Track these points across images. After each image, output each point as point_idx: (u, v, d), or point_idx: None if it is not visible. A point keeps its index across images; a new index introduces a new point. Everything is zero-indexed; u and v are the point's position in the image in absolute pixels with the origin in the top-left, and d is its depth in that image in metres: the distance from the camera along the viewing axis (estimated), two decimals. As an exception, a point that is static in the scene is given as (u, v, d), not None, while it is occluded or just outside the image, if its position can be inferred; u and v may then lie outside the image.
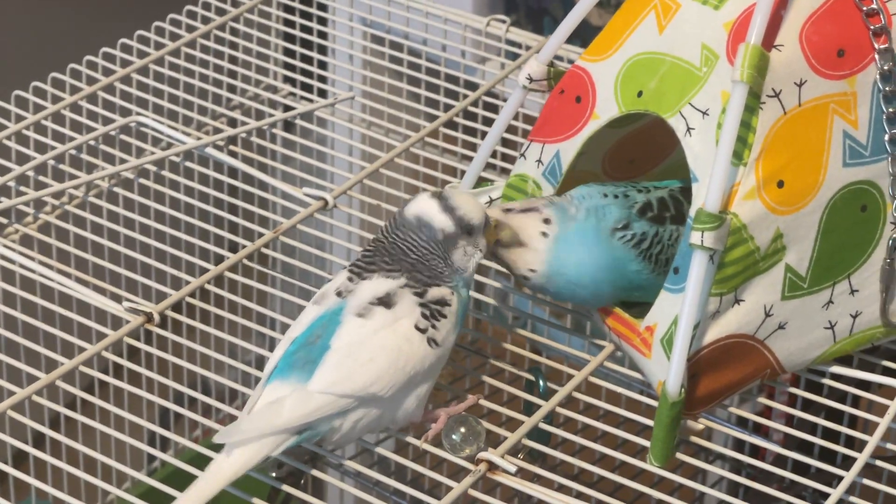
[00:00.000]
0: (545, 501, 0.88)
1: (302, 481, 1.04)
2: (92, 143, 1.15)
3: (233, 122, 1.26)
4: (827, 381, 0.97)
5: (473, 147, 1.21)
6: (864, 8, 0.91)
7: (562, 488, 0.92)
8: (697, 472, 1.29)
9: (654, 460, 0.91)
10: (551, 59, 1.02)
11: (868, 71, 0.91)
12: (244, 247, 1.06)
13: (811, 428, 0.99)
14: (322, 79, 1.32)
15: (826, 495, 0.88)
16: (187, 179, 1.14)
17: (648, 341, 0.92)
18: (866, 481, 0.90)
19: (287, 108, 1.27)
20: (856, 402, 1.08)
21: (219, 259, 1.06)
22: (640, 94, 0.94)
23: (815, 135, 0.90)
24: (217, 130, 1.24)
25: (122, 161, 1.15)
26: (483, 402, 0.95)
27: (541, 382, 0.99)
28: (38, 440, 1.00)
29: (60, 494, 0.89)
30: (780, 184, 0.89)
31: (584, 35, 1.43)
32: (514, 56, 1.28)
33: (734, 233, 0.88)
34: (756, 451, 1.31)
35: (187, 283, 1.03)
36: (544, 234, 0.93)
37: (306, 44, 1.32)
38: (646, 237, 0.94)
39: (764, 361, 0.93)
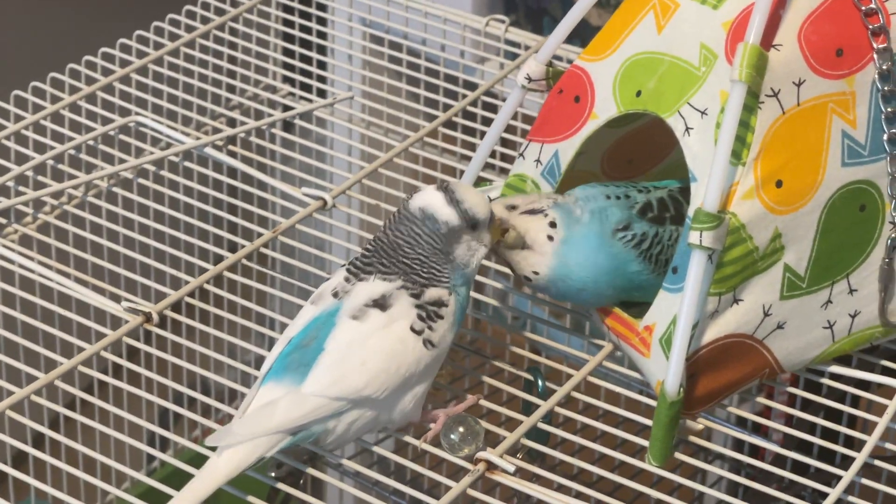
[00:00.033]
0: (544, 501, 0.88)
1: (301, 481, 1.04)
2: (91, 143, 1.15)
3: (232, 122, 1.26)
4: (826, 381, 0.97)
5: (472, 147, 1.21)
6: (863, 7, 0.91)
7: (561, 488, 0.92)
8: (697, 472, 1.29)
9: (652, 460, 0.91)
10: (550, 58, 1.02)
11: (867, 70, 0.91)
12: (243, 247, 1.06)
13: (810, 428, 0.99)
14: (321, 79, 1.32)
15: (825, 495, 0.88)
16: (186, 179, 1.14)
17: (647, 341, 0.92)
18: (865, 481, 0.90)
19: (286, 108, 1.27)
20: (855, 401, 1.08)
21: (218, 259, 1.06)
22: (638, 93, 0.94)
23: (813, 134, 0.90)
24: (216, 130, 1.24)
25: (122, 161, 1.15)
26: (482, 401, 0.95)
27: (539, 382, 0.99)
28: (38, 440, 1.00)
29: (60, 494, 0.89)
30: (779, 183, 0.89)
31: (583, 35, 1.43)
32: (514, 56, 1.28)
33: (733, 232, 0.88)
34: (755, 451, 1.31)
35: (186, 283, 1.03)
36: (550, 238, 0.93)
37: (305, 44, 1.32)
38: (646, 237, 0.94)
39: (763, 361, 0.93)
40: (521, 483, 0.89)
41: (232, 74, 1.27)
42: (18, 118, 1.18)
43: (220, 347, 1.20)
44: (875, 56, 0.91)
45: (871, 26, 0.91)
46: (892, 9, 0.91)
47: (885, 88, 0.91)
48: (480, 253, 0.92)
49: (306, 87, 1.31)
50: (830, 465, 0.93)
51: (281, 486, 0.94)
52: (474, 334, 1.08)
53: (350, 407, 0.88)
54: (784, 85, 0.89)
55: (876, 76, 0.91)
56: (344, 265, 0.92)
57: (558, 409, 0.95)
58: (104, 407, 0.95)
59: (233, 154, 1.17)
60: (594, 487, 0.93)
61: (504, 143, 1.25)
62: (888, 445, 0.94)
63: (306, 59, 1.32)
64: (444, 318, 0.90)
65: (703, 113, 0.90)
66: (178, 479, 0.87)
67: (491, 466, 0.89)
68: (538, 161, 1.00)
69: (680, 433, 0.95)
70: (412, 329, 0.89)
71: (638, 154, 1.02)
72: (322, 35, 1.34)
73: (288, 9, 1.34)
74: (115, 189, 1.14)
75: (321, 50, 1.34)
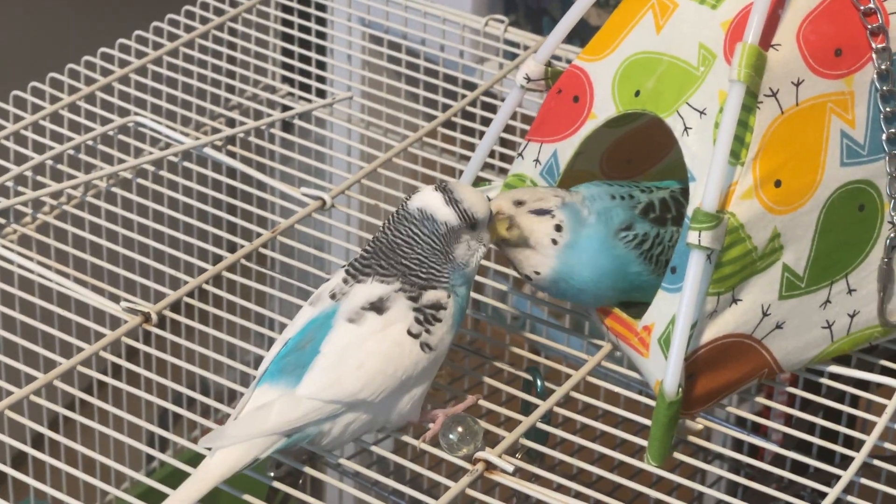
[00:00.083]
0: (544, 501, 0.88)
1: (300, 481, 1.04)
2: (90, 143, 1.15)
3: (231, 122, 1.26)
4: (825, 381, 0.97)
5: (472, 147, 1.21)
6: (862, 7, 0.91)
7: (560, 488, 0.92)
8: (696, 472, 1.29)
9: (651, 460, 0.91)
10: (549, 58, 1.02)
11: (865, 70, 0.91)
12: (242, 247, 1.06)
13: (809, 427, 0.99)
14: (320, 79, 1.32)
15: (825, 495, 0.88)
16: (185, 179, 1.14)
17: (646, 341, 0.92)
18: (864, 481, 0.90)
19: (285, 108, 1.27)
20: (854, 401, 1.08)
21: (217, 259, 1.06)
22: (637, 93, 0.94)
23: (812, 134, 0.90)
24: (215, 130, 1.24)
25: (121, 161, 1.15)
26: (481, 401, 0.95)
27: (538, 382, 0.99)
28: (37, 440, 1.00)
29: (59, 495, 0.89)
30: (778, 183, 0.89)
31: (582, 35, 1.43)
32: (513, 56, 1.28)
33: (731, 232, 0.88)
34: (755, 451, 1.31)
35: (185, 283, 1.03)
36: (554, 242, 0.93)
37: (304, 44, 1.32)
38: (647, 238, 0.94)
39: (761, 361, 0.93)
40: (521, 483, 0.89)
41: (231, 74, 1.27)
42: (18, 118, 1.18)
43: (220, 348, 1.20)
44: (874, 56, 0.91)
45: (869, 26, 0.91)
46: (890, 8, 0.91)
47: (884, 88, 0.91)
48: (480, 252, 0.92)
49: (305, 88, 1.31)
50: (830, 464, 0.93)
51: (280, 485, 0.94)
52: (474, 334, 1.08)
53: (345, 410, 0.88)
54: (783, 85, 0.89)
55: (875, 76, 0.91)
56: (343, 266, 0.92)
57: (557, 410, 0.95)
58: (103, 407, 0.95)
59: (232, 154, 1.17)
60: (593, 487, 0.93)
61: (503, 143, 1.25)
62: (887, 445, 0.94)
63: (305, 60, 1.32)
64: (442, 321, 0.90)
65: (701, 113, 0.90)
66: (178, 480, 0.87)
67: (490, 466, 0.89)
68: (537, 161, 1.00)
69: (679, 433, 0.95)
70: (409, 332, 0.89)
71: (637, 154, 1.02)
72: (321, 35, 1.34)
73: (287, 9, 1.34)
74: (114, 189, 1.14)
75: (320, 50, 1.34)
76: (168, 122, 1.19)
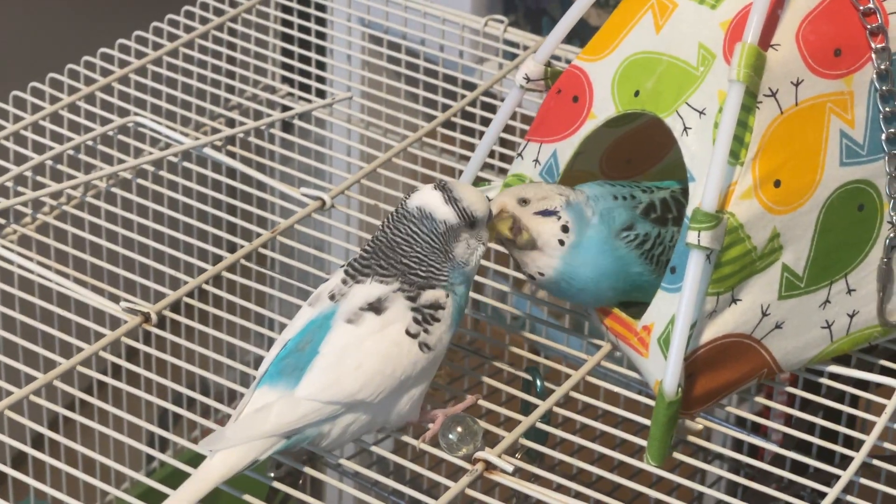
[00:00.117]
0: (543, 501, 0.88)
1: (300, 481, 1.04)
2: (90, 143, 1.15)
3: (231, 123, 1.26)
4: (825, 381, 0.97)
5: (471, 147, 1.21)
6: (861, 7, 0.91)
7: (560, 488, 0.92)
8: (696, 472, 1.29)
9: (651, 459, 0.91)
10: (548, 58, 1.02)
11: (865, 70, 0.91)
12: (242, 247, 1.06)
13: (809, 427, 0.99)
14: (320, 79, 1.32)
15: (824, 495, 0.88)
16: (185, 180, 1.14)
17: (645, 341, 0.92)
18: (864, 480, 0.90)
19: (285, 109, 1.27)
20: (854, 401, 1.08)
21: (217, 259, 1.06)
22: (637, 93, 0.94)
23: (811, 134, 0.90)
24: (215, 131, 1.24)
25: (120, 161, 1.15)
26: (481, 401, 0.95)
27: (538, 382, 0.99)
28: (37, 441, 1.00)
29: (59, 495, 0.89)
30: (777, 183, 0.89)
31: (582, 35, 1.43)
32: (513, 56, 1.28)
33: (731, 232, 0.88)
34: (754, 451, 1.31)
35: (185, 283, 1.03)
36: (561, 243, 0.93)
37: (304, 44, 1.32)
38: (648, 238, 0.94)
39: (761, 361, 0.93)
40: (520, 483, 0.89)
41: (231, 75, 1.27)
42: (17, 118, 1.18)
43: (220, 348, 1.20)
44: (873, 56, 0.91)
45: (869, 26, 0.91)
46: (890, 9, 0.91)
47: (884, 88, 0.91)
48: (479, 251, 0.92)
49: (305, 88, 1.31)
50: (829, 464, 0.93)
51: (280, 486, 0.94)
52: (473, 334, 1.08)
53: (344, 411, 0.88)
54: (782, 85, 0.89)
55: (874, 76, 0.91)
56: (342, 266, 0.92)
57: (557, 410, 0.95)
58: (103, 407, 0.95)
59: (232, 154, 1.17)
60: (593, 487, 0.93)
61: (503, 143, 1.25)
62: (887, 445, 0.94)
63: (305, 60, 1.32)
64: (440, 321, 0.90)
65: (701, 113, 0.90)
66: (178, 480, 0.87)
67: (489, 466, 0.89)
68: (536, 161, 1.00)
69: (679, 433, 0.95)
70: (407, 332, 0.89)
71: (636, 154, 1.02)
72: (321, 35, 1.34)
73: (287, 9, 1.34)
74: (113, 189, 1.14)
75: (320, 50, 1.34)
76: (168, 122, 1.19)
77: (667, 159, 1.03)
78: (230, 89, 1.27)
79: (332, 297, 0.90)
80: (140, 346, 1.00)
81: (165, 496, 0.86)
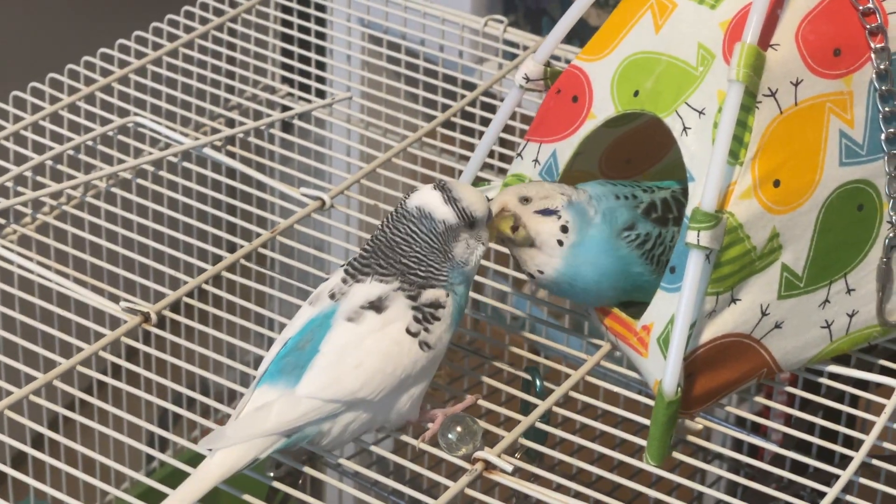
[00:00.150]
0: (543, 501, 0.88)
1: (300, 481, 1.04)
2: (90, 143, 1.15)
3: (231, 123, 1.26)
4: (825, 381, 0.97)
5: (471, 147, 1.21)
6: (861, 7, 0.91)
7: (560, 488, 0.92)
8: (696, 472, 1.29)
9: (650, 459, 0.91)
10: (548, 58, 1.02)
11: (864, 70, 0.91)
12: (242, 247, 1.06)
13: (809, 427, 0.99)
14: (320, 79, 1.32)
15: (824, 495, 0.88)
16: (185, 180, 1.14)
17: (645, 340, 0.92)
18: (864, 480, 0.90)
19: (285, 109, 1.27)
20: (854, 401, 1.08)
21: (217, 259, 1.06)
22: (636, 93, 0.94)
23: (811, 134, 0.90)
24: (215, 131, 1.24)
25: (120, 161, 1.15)
26: (481, 401, 0.95)
27: (538, 382, 0.99)
28: (37, 440, 1.00)
29: (59, 495, 0.89)
30: (777, 183, 0.89)
31: (581, 35, 1.43)
32: (512, 56, 1.28)
33: (730, 232, 0.88)
34: (754, 451, 1.31)
35: (185, 283, 1.03)
36: (560, 243, 0.93)
37: (304, 44, 1.32)
38: (649, 238, 0.94)
39: (760, 361, 0.93)
40: (520, 483, 0.89)
41: (230, 75, 1.27)
42: (17, 119, 1.18)
43: (220, 348, 1.20)
44: (873, 56, 0.91)
45: (868, 26, 0.91)
46: (889, 8, 0.91)
47: (883, 88, 0.91)
48: (479, 251, 0.92)
49: (305, 88, 1.31)
50: (829, 464, 0.93)
51: (280, 485, 0.94)
52: (473, 334, 1.08)
53: (345, 409, 0.88)
54: (781, 84, 0.89)
55: (873, 76, 0.91)
56: (342, 266, 0.92)
57: (557, 409, 0.95)
58: (103, 407, 0.95)
59: (231, 154, 1.17)
60: (593, 487, 0.93)
61: (502, 143, 1.25)
62: (886, 445, 0.94)
63: (305, 60, 1.32)
64: (440, 320, 0.90)
65: (700, 113, 0.90)
66: (178, 480, 0.87)
67: (489, 466, 0.89)
68: (536, 161, 1.00)
69: (679, 433, 0.96)
70: (408, 331, 0.89)
71: (636, 154, 1.02)
72: (320, 35, 1.34)
73: (286, 9, 1.34)
74: (113, 189, 1.14)
75: (320, 50, 1.34)
76: (168, 122, 1.19)
77: (666, 159, 1.03)
78: (230, 89, 1.27)
79: (332, 296, 0.90)
80: (140, 346, 1.00)
81: (165, 496, 0.86)
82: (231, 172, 1.16)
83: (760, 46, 0.87)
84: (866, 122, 0.92)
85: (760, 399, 1.03)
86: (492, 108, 1.18)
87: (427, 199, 0.90)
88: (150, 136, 1.17)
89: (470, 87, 1.28)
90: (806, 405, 1.11)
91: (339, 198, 1.11)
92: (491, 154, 1.22)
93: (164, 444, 1.37)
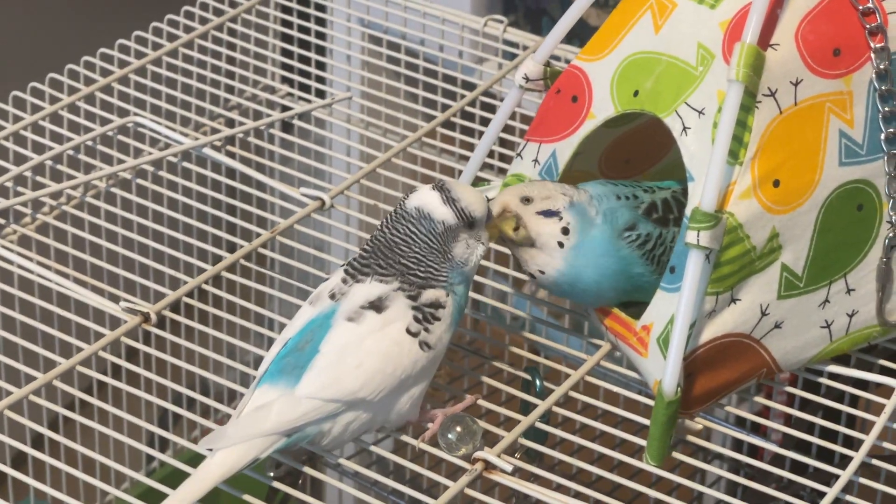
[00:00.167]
0: (543, 501, 0.88)
1: (300, 481, 1.04)
2: (90, 143, 1.15)
3: (230, 123, 1.26)
4: (824, 381, 0.97)
5: (471, 147, 1.21)
6: (860, 7, 0.91)
7: (560, 488, 0.92)
8: (696, 472, 1.29)
9: (650, 459, 0.91)
10: (548, 58, 1.02)
11: (864, 70, 0.91)
12: (242, 247, 1.06)
13: (809, 427, 0.99)
14: (320, 79, 1.32)
15: (824, 495, 0.88)
16: (185, 180, 1.14)
17: (645, 340, 0.92)
18: (863, 480, 0.90)
19: (285, 109, 1.27)
20: (854, 401, 1.08)
21: (217, 260, 1.06)
22: (636, 93, 0.94)
23: (811, 134, 0.90)
24: (215, 131, 1.24)
25: (120, 161, 1.15)
26: (481, 401, 0.95)
27: (537, 382, 0.99)
28: (37, 441, 1.00)
29: (59, 495, 0.89)
30: (776, 183, 0.89)
31: (581, 35, 1.43)
32: (512, 56, 1.28)
33: (730, 232, 0.88)
34: (754, 451, 1.31)
35: (185, 283, 1.03)
36: (560, 245, 0.93)
37: (304, 44, 1.32)
38: (650, 238, 0.94)
39: (760, 360, 0.93)
40: (520, 483, 0.89)
41: (230, 75, 1.27)
42: (17, 119, 1.18)
43: (219, 348, 1.20)
44: (872, 55, 0.91)
45: (868, 26, 0.91)
46: (889, 8, 0.91)
47: (883, 88, 0.91)
48: (479, 251, 0.92)
49: (305, 88, 1.31)
50: (829, 464, 0.93)
51: (280, 485, 0.94)
52: (473, 335, 1.08)
53: (345, 409, 0.88)
54: (781, 84, 0.89)
55: (873, 75, 0.91)
56: (342, 266, 0.92)
57: (556, 409, 0.95)
58: (103, 407, 0.95)
59: (231, 154, 1.17)
60: (593, 487, 0.93)
61: (502, 143, 1.25)
62: (886, 445, 0.94)
63: (305, 60, 1.32)
64: (440, 320, 0.90)
65: (700, 113, 0.90)
66: (178, 480, 0.87)
67: (489, 466, 0.89)
68: (536, 161, 1.00)
69: (678, 433, 0.96)
70: (408, 331, 0.89)
71: (635, 154, 1.02)
72: (320, 35, 1.34)
73: (286, 9, 1.34)
74: (113, 189, 1.14)
75: (319, 50, 1.34)
76: (167, 122, 1.19)
77: (666, 159, 1.03)
78: (230, 89, 1.27)
79: (332, 297, 0.90)
80: (140, 346, 1.00)
81: (165, 496, 0.86)
82: (231, 172, 1.16)
83: (760, 46, 0.87)
84: (866, 122, 0.92)
85: (760, 399, 1.03)
86: (491, 108, 1.18)
87: (426, 199, 0.90)
88: (149, 136, 1.17)
89: (470, 87, 1.28)
90: (806, 405, 1.11)
91: (339, 198, 1.11)
92: (491, 154, 1.22)
93: (164, 445, 1.37)
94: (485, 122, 1.20)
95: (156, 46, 1.26)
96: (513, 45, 1.29)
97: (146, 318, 0.99)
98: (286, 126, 1.26)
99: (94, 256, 1.08)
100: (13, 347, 1.00)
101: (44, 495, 0.91)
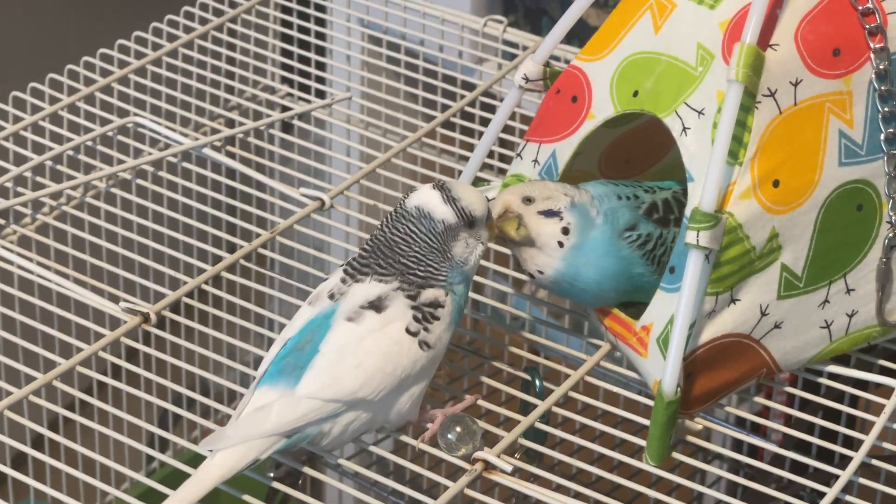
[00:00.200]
0: (543, 501, 0.88)
1: (300, 481, 1.04)
2: (89, 143, 1.15)
3: (230, 123, 1.26)
4: (824, 381, 0.97)
5: (471, 147, 1.21)
6: (860, 7, 0.91)
7: (559, 488, 0.92)
8: (696, 472, 1.29)
9: (650, 459, 0.91)
10: (547, 58, 1.02)
11: (864, 70, 0.91)
12: (242, 247, 1.06)
13: (809, 427, 0.99)
14: (319, 79, 1.32)
15: (824, 495, 0.88)
16: (185, 180, 1.14)
17: (644, 341, 0.92)
18: (863, 480, 0.90)
19: (284, 109, 1.27)
20: (853, 401, 1.08)
21: (217, 260, 1.06)
22: (635, 93, 0.94)
23: (810, 134, 0.90)
24: (215, 131, 1.24)
25: (120, 162, 1.15)
26: (481, 402, 0.95)
27: (537, 382, 0.99)
28: (37, 441, 1.00)
29: (59, 495, 0.89)
30: (776, 183, 0.89)
31: (581, 35, 1.43)
32: (512, 56, 1.28)
33: (730, 232, 0.88)
34: (754, 451, 1.31)
35: (185, 283, 1.03)
36: (560, 244, 0.93)
37: (304, 44, 1.32)
38: (650, 238, 0.94)
39: (760, 361, 0.93)
40: (519, 483, 0.89)
41: (230, 75, 1.27)
42: (17, 119, 1.18)
43: (219, 348, 1.20)
44: (872, 56, 0.91)
45: (867, 26, 0.91)
46: (888, 8, 0.91)
47: (882, 88, 0.91)
48: (479, 251, 0.92)
49: (304, 88, 1.31)
50: (829, 464, 0.93)
51: (279, 486, 0.94)
52: (473, 335, 1.08)
53: (345, 409, 0.88)
54: (781, 85, 0.89)
55: (873, 76, 0.91)
56: (341, 266, 0.92)
57: (556, 410, 0.95)
58: (103, 408, 0.95)
59: (231, 155, 1.17)
60: (592, 487, 0.93)
61: (502, 143, 1.25)
62: (886, 445, 0.94)
63: (304, 60, 1.32)
64: (440, 319, 0.90)
65: (700, 113, 0.90)
66: (178, 480, 0.87)
67: (489, 466, 0.89)
68: (536, 161, 1.00)
69: (678, 433, 0.96)
70: (407, 330, 0.89)
71: (635, 154, 1.03)
72: (320, 36, 1.34)
73: (286, 9, 1.34)
74: (113, 190, 1.14)
75: (319, 50, 1.34)
76: (167, 122, 1.19)
77: (665, 159, 1.03)
78: (229, 90, 1.27)
79: (331, 297, 0.90)
80: (140, 346, 1.00)
81: (165, 496, 0.86)
82: (231, 173, 1.16)
83: (760, 46, 0.87)
84: (866, 123, 0.92)
85: (760, 399, 1.03)
86: (491, 109, 1.18)
87: (426, 198, 0.90)
88: (149, 136, 1.17)
89: (469, 87, 1.28)
90: (805, 405, 1.11)
91: (339, 198, 1.11)
92: (490, 154, 1.22)
93: (164, 445, 1.37)
94: (484, 122, 1.20)
95: (156, 47, 1.26)
96: (512, 45, 1.29)
97: (146, 318, 0.99)
98: (286, 126, 1.26)
99: (93, 257, 1.08)
100: (13, 348, 1.00)
101: (44, 496, 0.91)
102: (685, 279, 0.88)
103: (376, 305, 0.89)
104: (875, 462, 0.92)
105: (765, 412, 1.29)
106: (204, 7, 1.30)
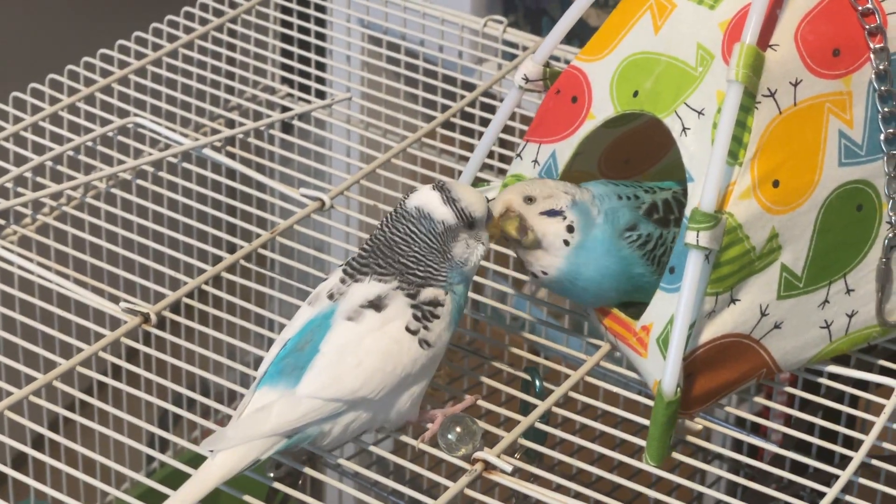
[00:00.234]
0: (543, 501, 0.88)
1: (300, 481, 1.04)
2: (90, 144, 1.15)
3: (230, 123, 1.26)
4: (824, 381, 0.97)
5: (471, 147, 1.21)
6: (860, 7, 0.91)
7: (559, 488, 0.92)
8: (696, 472, 1.29)
9: (650, 459, 0.91)
10: (547, 59, 1.02)
11: (863, 70, 0.91)
12: (242, 248, 1.06)
13: (809, 428, 1.00)
14: (320, 80, 1.32)
15: (824, 495, 0.88)
16: (185, 180, 1.14)
17: (644, 341, 0.92)
18: (863, 480, 0.90)
19: (284, 109, 1.27)
20: (853, 401, 1.08)
21: (217, 260, 1.06)
22: (635, 93, 0.94)
23: (810, 134, 0.90)
24: (215, 131, 1.24)
25: (120, 162, 1.15)
26: (480, 402, 0.95)
27: (537, 382, 0.99)
28: (37, 441, 1.00)
29: (59, 495, 0.89)
30: (776, 183, 0.89)
31: (581, 35, 1.43)
32: (512, 56, 1.28)
33: (729, 232, 0.88)
34: (754, 451, 1.31)
35: (185, 284, 1.03)
36: (566, 243, 0.93)
37: (304, 45, 1.32)
38: (651, 239, 0.94)
39: (760, 361, 0.93)
40: (519, 483, 0.89)
41: (230, 75, 1.27)
42: (17, 119, 1.18)
43: (220, 348, 1.20)
44: (872, 56, 0.91)
45: (867, 26, 0.91)
46: (888, 9, 0.91)
47: (882, 88, 0.91)
48: (479, 251, 0.92)
49: (305, 88, 1.31)
50: (829, 464, 0.93)
51: (280, 486, 0.94)
52: (473, 335, 1.08)
53: (346, 408, 0.88)
54: (781, 85, 0.89)
55: (873, 76, 0.91)
56: (340, 265, 0.92)
57: (556, 410, 0.95)
58: (103, 408, 0.95)
59: (231, 155, 1.17)
60: (592, 488, 0.93)
61: (502, 143, 1.25)
62: (886, 445, 0.94)
63: (304, 60, 1.32)
64: (440, 318, 0.90)
65: (699, 113, 0.90)
66: (178, 481, 0.87)
67: (489, 466, 0.89)
68: (535, 161, 1.00)
69: (678, 433, 0.96)
70: (407, 329, 0.89)
71: (635, 154, 1.03)
72: (320, 36, 1.34)
73: (286, 10, 1.34)
74: (113, 190, 1.14)
75: (319, 51, 1.34)
76: (167, 123, 1.19)
77: (665, 160, 1.03)
78: (230, 90, 1.27)
79: (330, 297, 0.90)
80: (140, 346, 1.00)
81: (165, 496, 0.86)
82: (231, 173, 1.16)
83: (759, 47, 0.87)
84: (865, 123, 0.92)
85: (760, 399, 1.04)
86: (491, 109, 1.18)
87: (426, 199, 0.90)
88: (149, 136, 1.18)
89: (469, 87, 1.28)
90: (805, 405, 1.12)
91: (339, 198, 1.11)
92: (490, 154, 1.22)
93: (164, 445, 1.37)
94: (484, 122, 1.20)
95: (156, 47, 1.26)
96: (512, 45, 1.29)
97: (146, 318, 0.99)
98: (286, 127, 1.26)
99: (94, 257, 1.08)
100: (13, 348, 1.00)
101: (44, 496, 0.91)
102: (685, 279, 0.88)
103: (376, 304, 0.89)
104: (875, 462, 0.92)
105: (765, 412, 1.29)
106: (204, 7, 1.30)
